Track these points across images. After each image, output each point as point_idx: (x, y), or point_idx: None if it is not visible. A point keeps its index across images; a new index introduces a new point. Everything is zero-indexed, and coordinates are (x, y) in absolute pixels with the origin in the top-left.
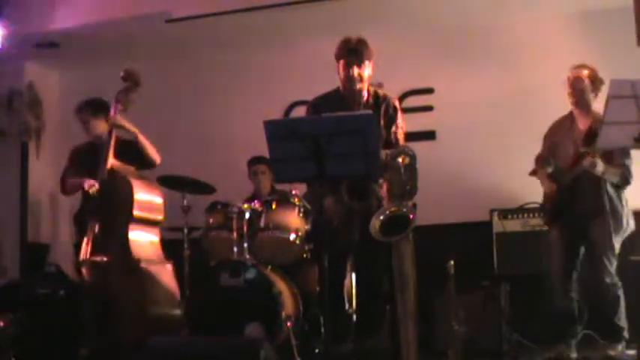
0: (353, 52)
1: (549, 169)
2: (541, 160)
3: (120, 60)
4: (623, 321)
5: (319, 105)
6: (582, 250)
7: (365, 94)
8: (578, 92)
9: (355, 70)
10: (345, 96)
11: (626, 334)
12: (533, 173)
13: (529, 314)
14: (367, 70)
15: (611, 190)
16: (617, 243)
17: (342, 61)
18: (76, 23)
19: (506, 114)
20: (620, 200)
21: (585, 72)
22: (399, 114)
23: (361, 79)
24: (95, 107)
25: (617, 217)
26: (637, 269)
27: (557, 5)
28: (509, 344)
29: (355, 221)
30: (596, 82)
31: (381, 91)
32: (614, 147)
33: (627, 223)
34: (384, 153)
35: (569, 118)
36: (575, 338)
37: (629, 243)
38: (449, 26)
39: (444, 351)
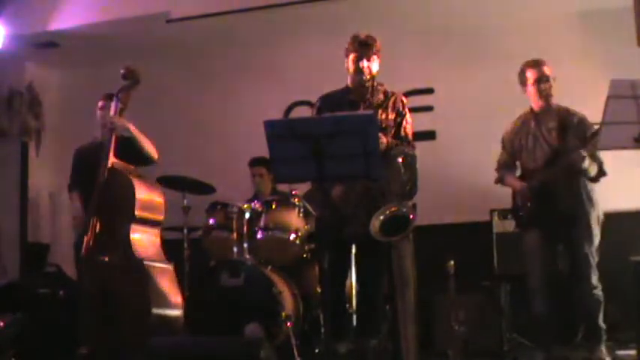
0: (363, 45)
1: (517, 173)
2: (504, 167)
3: (120, 60)
4: (602, 322)
5: (327, 101)
6: (560, 248)
7: (373, 88)
8: (548, 90)
9: (365, 63)
10: (353, 91)
11: (604, 334)
12: (499, 181)
13: (529, 314)
14: (375, 65)
15: (585, 185)
16: (596, 238)
17: (352, 55)
18: (76, 23)
19: (506, 114)
20: (594, 191)
21: (547, 68)
22: (407, 109)
23: (370, 73)
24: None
25: (594, 207)
26: (637, 269)
27: (557, 5)
28: (509, 344)
29: (363, 210)
30: (554, 76)
31: (388, 88)
32: (614, 147)
33: (599, 212)
34: (393, 142)
35: (532, 117)
36: (548, 352)
37: (629, 243)
38: (449, 26)
39: (444, 351)
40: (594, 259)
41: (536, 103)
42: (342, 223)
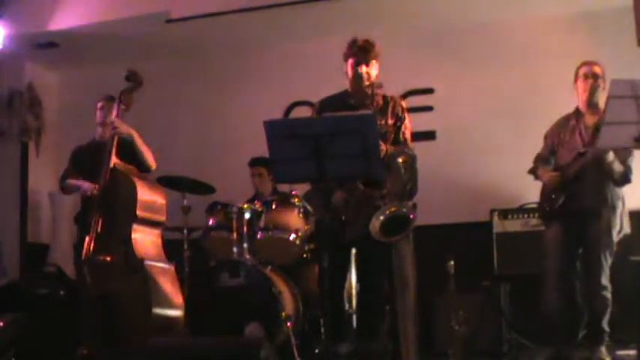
0: (361, 50)
1: (549, 168)
2: (540, 160)
3: (120, 60)
4: (606, 325)
5: (326, 105)
6: (580, 251)
7: (372, 94)
8: (594, 89)
9: (363, 68)
10: (353, 96)
11: (607, 337)
12: (532, 172)
13: (529, 314)
14: (374, 69)
15: (612, 188)
16: (614, 240)
17: (350, 60)
18: (76, 23)
19: (506, 114)
20: (619, 199)
21: (598, 69)
22: (406, 114)
23: (369, 77)
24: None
25: (615, 213)
26: (637, 269)
27: (558, 5)
28: (509, 344)
29: (363, 214)
30: (604, 79)
31: (387, 93)
32: (614, 147)
33: (622, 224)
34: (391, 149)
35: (575, 115)
36: (558, 351)
37: (629, 243)
38: (449, 26)
39: (444, 351)
40: (607, 262)
41: (580, 98)
42: (342, 227)
